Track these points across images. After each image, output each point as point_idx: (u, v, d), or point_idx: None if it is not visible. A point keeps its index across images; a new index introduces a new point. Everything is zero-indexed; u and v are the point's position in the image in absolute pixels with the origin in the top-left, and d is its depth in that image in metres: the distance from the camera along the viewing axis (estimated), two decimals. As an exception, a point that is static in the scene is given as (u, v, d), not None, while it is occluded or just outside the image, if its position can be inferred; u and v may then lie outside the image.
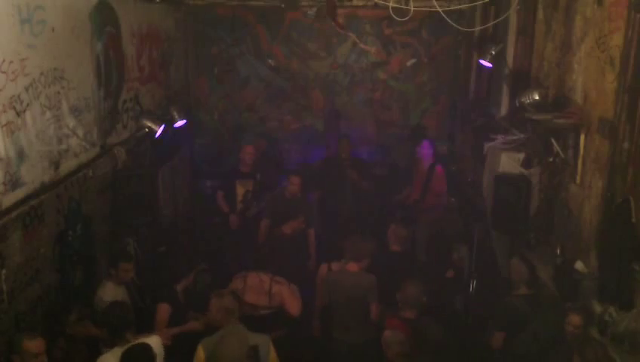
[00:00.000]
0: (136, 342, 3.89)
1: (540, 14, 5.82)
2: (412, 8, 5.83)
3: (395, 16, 6.10)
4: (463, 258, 6.41)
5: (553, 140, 5.15)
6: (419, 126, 9.17)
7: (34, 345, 3.53)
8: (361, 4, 8.66)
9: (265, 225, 6.56)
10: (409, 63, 9.27)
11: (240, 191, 7.22)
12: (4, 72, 3.84)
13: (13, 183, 4.00)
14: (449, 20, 6.13)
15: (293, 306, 5.06)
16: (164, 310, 4.79)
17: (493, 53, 6.92)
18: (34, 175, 4.28)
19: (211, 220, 7.71)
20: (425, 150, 7.37)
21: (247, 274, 5.11)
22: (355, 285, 5.02)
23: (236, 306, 4.34)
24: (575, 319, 4.10)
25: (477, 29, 7.69)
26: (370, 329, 4.92)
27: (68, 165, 4.84)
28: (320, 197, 7.61)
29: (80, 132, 5.05)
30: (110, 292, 4.72)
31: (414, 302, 4.58)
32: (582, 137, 4.71)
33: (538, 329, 4.44)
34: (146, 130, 6.46)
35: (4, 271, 3.85)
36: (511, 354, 4.55)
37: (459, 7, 7.14)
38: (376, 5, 7.28)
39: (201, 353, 4.11)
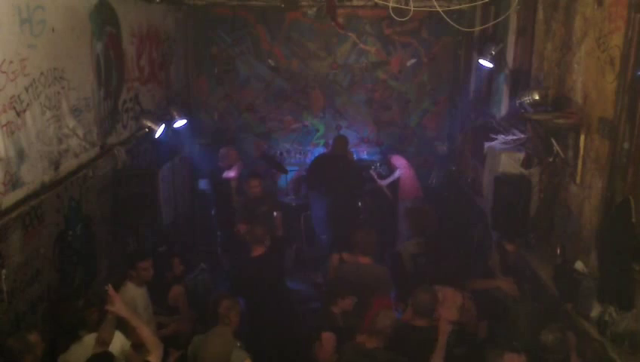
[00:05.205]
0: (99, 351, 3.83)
1: (540, 14, 5.81)
2: (412, 8, 5.83)
3: (395, 16, 6.09)
4: None
5: (553, 140, 5.15)
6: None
7: (34, 336, 3.69)
8: (361, 4, 8.65)
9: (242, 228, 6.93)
10: (409, 63, 9.28)
11: None
12: (4, 72, 3.83)
13: (13, 183, 4.00)
14: (449, 20, 6.13)
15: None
16: None
17: (493, 53, 6.93)
18: (34, 175, 4.27)
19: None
20: None
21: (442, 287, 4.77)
22: (369, 275, 5.28)
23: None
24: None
25: (477, 29, 7.69)
26: None
27: (68, 165, 4.83)
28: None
29: (80, 132, 5.04)
30: (130, 293, 4.74)
31: (427, 310, 4.44)
32: (582, 137, 4.71)
33: (516, 316, 4.67)
34: (146, 130, 6.47)
35: (4, 271, 3.85)
36: (494, 341, 4.56)
37: (459, 7, 7.13)
38: (376, 5, 7.26)
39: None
